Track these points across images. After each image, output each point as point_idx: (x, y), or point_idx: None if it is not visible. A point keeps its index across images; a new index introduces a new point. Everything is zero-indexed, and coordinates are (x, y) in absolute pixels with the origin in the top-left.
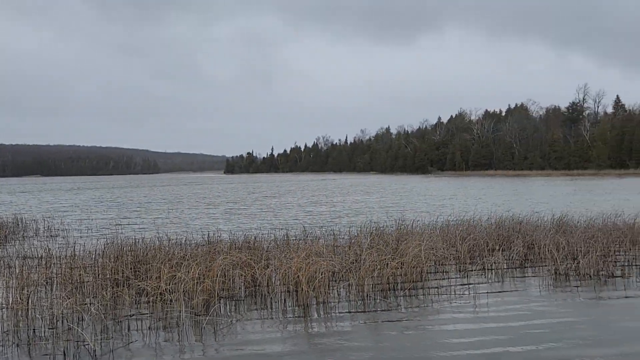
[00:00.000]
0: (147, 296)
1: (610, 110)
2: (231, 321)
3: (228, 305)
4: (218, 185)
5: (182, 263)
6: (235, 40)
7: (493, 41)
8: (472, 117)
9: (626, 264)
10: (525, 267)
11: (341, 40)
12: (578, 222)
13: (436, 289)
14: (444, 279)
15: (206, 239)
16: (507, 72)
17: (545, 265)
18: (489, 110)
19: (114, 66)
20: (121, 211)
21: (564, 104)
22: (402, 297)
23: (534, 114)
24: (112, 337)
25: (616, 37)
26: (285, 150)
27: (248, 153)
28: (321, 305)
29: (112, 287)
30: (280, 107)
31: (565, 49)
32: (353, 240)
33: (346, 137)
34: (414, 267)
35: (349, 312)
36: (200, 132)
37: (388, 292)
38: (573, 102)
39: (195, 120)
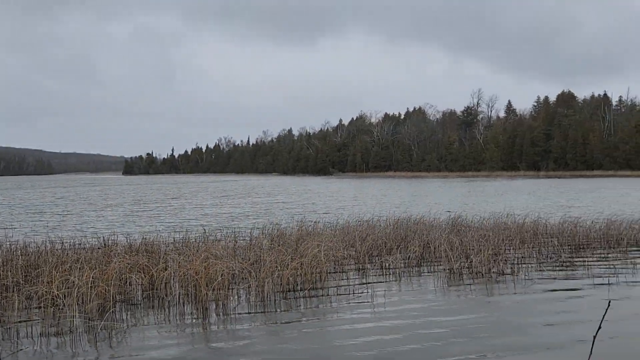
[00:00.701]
0: (38, 301)
1: (502, 114)
2: (127, 326)
3: (124, 310)
4: (116, 186)
5: (76, 267)
6: (134, 38)
7: (393, 45)
8: (373, 120)
9: (515, 262)
10: (421, 267)
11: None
12: (471, 222)
13: (335, 288)
14: (343, 279)
15: (102, 242)
16: (406, 76)
17: (441, 264)
18: (388, 113)
19: (1, 63)
20: (10, 214)
21: (459, 108)
22: (302, 298)
23: (431, 117)
24: (0, 345)
25: (508, 45)
26: (186, 151)
27: (148, 154)
28: (220, 308)
29: (0, 292)
30: (181, 107)
31: (461, 54)
32: (254, 242)
33: (248, 138)
34: (313, 268)
35: (249, 314)
36: (98, 132)
37: (288, 292)
38: (468, 107)
39: (92, 119)
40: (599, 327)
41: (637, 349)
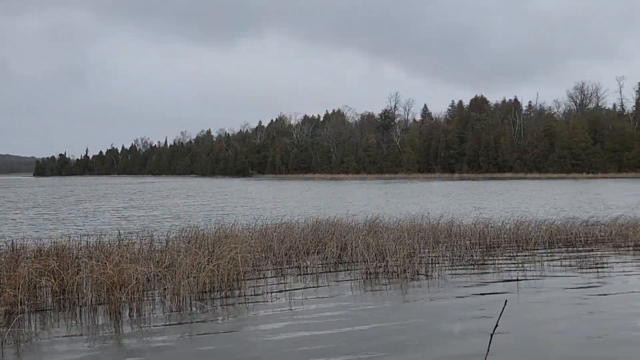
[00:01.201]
0: None
1: (418, 117)
2: (36, 332)
3: (33, 316)
4: (26, 188)
5: None
6: (44, 35)
7: (312, 47)
8: (292, 122)
9: (430, 262)
10: (339, 268)
11: (161, 39)
12: (388, 223)
13: (253, 289)
14: (261, 281)
15: (9, 246)
16: (325, 78)
17: (358, 266)
18: (308, 115)
19: None
20: None
21: (377, 111)
22: (218, 301)
23: (350, 120)
24: None
25: (425, 50)
26: (101, 152)
27: (60, 154)
28: (134, 312)
29: None
30: (95, 107)
31: (379, 58)
32: (170, 245)
33: (166, 139)
34: (230, 270)
35: (164, 318)
36: (7, 131)
37: (204, 296)
38: (385, 110)
39: (1, 118)
40: (496, 325)
41: (538, 345)
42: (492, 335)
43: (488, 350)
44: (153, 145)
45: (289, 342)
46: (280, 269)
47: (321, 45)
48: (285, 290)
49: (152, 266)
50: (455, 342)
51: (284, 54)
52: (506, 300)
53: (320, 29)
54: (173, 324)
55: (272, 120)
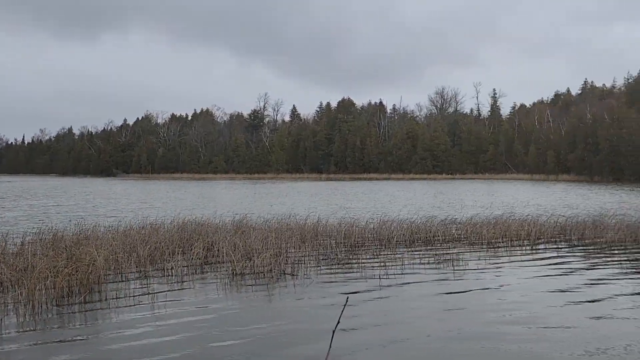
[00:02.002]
0: None
1: (287, 118)
2: None
3: None
4: None
5: None
6: None
7: (179, 45)
8: (159, 120)
9: (296, 262)
10: (205, 269)
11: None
12: (256, 223)
13: (115, 292)
14: (122, 282)
15: None
16: (193, 76)
17: (224, 266)
18: (175, 114)
19: None
20: None
21: (247, 111)
22: (77, 305)
23: (218, 119)
24: None
25: (294, 51)
26: None
27: None
28: None
29: None
30: None
31: (248, 58)
32: (25, 247)
33: (23, 136)
34: (90, 273)
35: (17, 324)
36: None
37: (62, 299)
38: (255, 110)
39: None
40: (338, 322)
41: (398, 341)
42: (333, 332)
43: (330, 346)
44: (9, 142)
45: (151, 348)
46: (144, 270)
47: (188, 43)
48: (149, 294)
49: (5, 269)
50: (317, 341)
51: (150, 50)
52: (348, 297)
53: (187, 25)
54: (27, 331)
55: (138, 118)
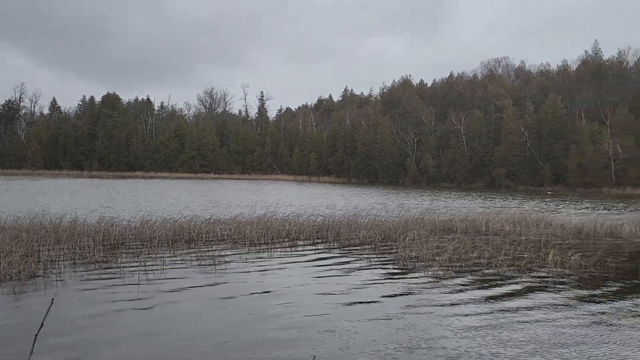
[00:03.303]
0: None
1: (47, 111)
2: None
3: None
4: None
5: None
6: None
7: None
8: None
9: (49, 261)
10: None
11: None
12: (5, 222)
13: None
14: None
15: None
16: None
17: None
18: None
19: None
20: None
21: (0, 102)
22: None
23: None
24: None
25: (56, 40)
26: None
27: None
28: None
29: None
30: None
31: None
32: None
33: None
34: None
35: None
36: None
37: None
38: (9, 100)
39: None
40: (42, 325)
41: (155, 342)
42: (36, 335)
43: (32, 351)
44: None
45: None
46: None
47: None
48: None
49: None
50: (65, 349)
51: None
52: (53, 299)
53: None
54: None
55: None
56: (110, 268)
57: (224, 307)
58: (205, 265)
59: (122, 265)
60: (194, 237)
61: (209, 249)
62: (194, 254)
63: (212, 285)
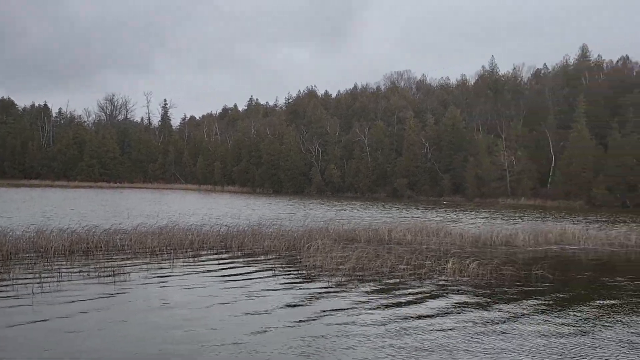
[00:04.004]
0: None
1: None
2: None
3: None
4: None
5: None
6: None
7: None
8: None
9: None
10: None
11: None
12: None
13: None
14: None
15: None
16: None
17: None
18: None
19: None
20: None
21: None
22: None
23: None
24: None
25: None
26: None
27: None
28: None
29: None
30: None
31: None
32: None
33: None
34: None
35: None
36: None
37: None
38: None
39: None
40: None
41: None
42: None
43: None
44: None
45: None
46: None
47: None
48: None
49: None
50: None
51: None
52: None
53: None
54: None
55: None
56: (1, 280)
57: (123, 321)
58: (104, 276)
59: (14, 277)
60: (92, 248)
61: (109, 260)
62: (92, 266)
63: (111, 297)
